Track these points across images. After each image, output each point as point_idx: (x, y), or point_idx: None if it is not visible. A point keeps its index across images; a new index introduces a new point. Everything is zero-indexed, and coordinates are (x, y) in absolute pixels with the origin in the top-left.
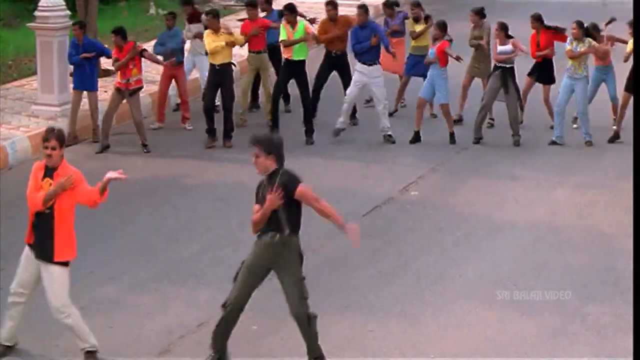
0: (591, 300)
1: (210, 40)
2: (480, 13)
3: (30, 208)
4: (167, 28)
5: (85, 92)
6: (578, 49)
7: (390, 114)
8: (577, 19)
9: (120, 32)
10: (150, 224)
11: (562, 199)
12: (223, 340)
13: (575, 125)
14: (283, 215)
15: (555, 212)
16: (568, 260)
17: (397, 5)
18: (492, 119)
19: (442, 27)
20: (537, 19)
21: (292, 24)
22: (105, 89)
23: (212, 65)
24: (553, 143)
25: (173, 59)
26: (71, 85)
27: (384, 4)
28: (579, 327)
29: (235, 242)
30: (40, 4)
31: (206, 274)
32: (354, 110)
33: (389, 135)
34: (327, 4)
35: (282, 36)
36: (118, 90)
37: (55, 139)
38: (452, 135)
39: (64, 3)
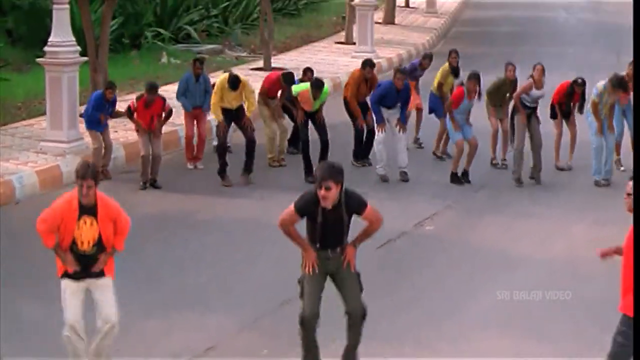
0: (610, 330)
1: (226, 94)
2: None
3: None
4: (194, 77)
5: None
6: (605, 100)
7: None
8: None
9: (153, 88)
10: (158, 254)
11: (579, 235)
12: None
13: (622, 168)
14: (347, 231)
15: (572, 247)
16: (585, 293)
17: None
18: (505, 159)
19: (478, 81)
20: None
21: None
22: (115, 129)
23: (227, 110)
24: (602, 183)
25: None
26: (82, 125)
27: (425, 56)
28: (598, 356)
29: (244, 272)
30: (50, 39)
31: (214, 302)
32: (368, 151)
33: (404, 173)
34: (366, 64)
35: (295, 91)
36: (143, 130)
37: (91, 177)
38: (466, 173)
39: (74, 39)
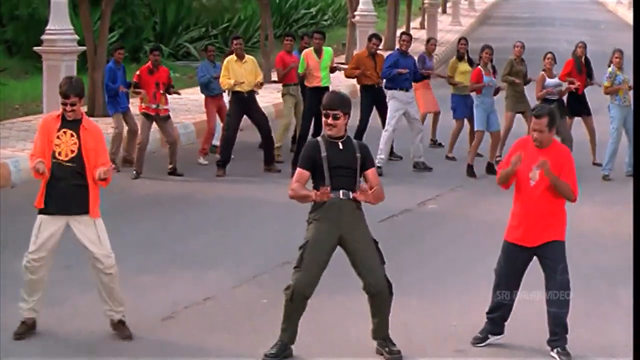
0: (621, 286)
1: (234, 68)
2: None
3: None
4: (210, 62)
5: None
6: (622, 78)
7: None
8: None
9: (157, 49)
10: (156, 225)
11: (588, 213)
12: (291, 333)
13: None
14: (358, 179)
15: (582, 222)
16: (595, 259)
17: (435, 42)
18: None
19: (492, 52)
20: (585, 47)
21: (319, 52)
22: None
23: (237, 94)
24: (607, 177)
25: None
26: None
27: (428, 40)
28: (610, 308)
29: (244, 239)
30: (47, 27)
31: (212, 262)
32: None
33: (423, 163)
34: (372, 36)
35: (302, 68)
36: (147, 115)
37: (74, 95)
38: (491, 165)
39: (72, 28)
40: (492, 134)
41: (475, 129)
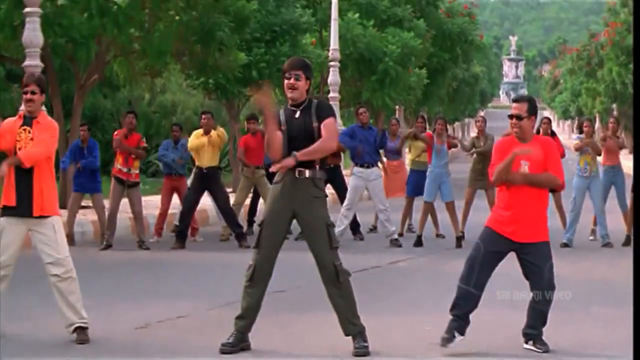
0: (594, 302)
1: (195, 139)
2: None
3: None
4: (173, 141)
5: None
6: (589, 149)
7: (400, 235)
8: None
9: (135, 115)
10: (126, 271)
11: (562, 263)
12: (248, 321)
13: (592, 237)
14: None
15: (557, 268)
16: (568, 288)
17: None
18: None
19: (445, 123)
20: (550, 122)
21: None
22: None
23: (198, 169)
24: (565, 245)
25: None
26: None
27: (394, 119)
28: (584, 316)
29: (217, 279)
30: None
31: (188, 293)
32: (358, 224)
33: (396, 239)
34: None
35: None
36: (118, 180)
37: (34, 83)
38: (459, 239)
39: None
40: (446, 205)
41: (424, 199)
